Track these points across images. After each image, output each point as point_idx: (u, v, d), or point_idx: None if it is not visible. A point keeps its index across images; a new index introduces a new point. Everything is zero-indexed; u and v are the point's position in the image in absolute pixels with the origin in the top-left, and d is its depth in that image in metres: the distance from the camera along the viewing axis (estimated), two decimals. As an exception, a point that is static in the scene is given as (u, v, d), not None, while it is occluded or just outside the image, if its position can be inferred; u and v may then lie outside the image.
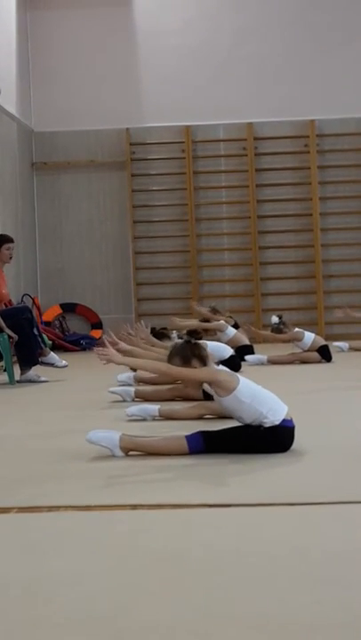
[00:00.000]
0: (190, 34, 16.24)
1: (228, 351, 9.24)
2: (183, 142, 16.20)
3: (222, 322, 11.38)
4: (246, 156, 16.18)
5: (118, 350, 6.05)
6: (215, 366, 5.57)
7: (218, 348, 8.89)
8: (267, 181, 16.24)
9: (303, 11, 16.17)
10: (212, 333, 10.97)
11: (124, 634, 2.52)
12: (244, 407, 5.05)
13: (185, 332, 6.00)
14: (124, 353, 6.29)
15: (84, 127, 16.20)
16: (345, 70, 16.04)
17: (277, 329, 11.13)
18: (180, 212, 16.26)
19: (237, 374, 5.26)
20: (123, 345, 6.58)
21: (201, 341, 5.75)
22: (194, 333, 5.82)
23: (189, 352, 5.57)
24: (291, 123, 16.15)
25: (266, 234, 16.17)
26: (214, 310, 12.31)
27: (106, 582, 2.98)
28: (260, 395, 5.10)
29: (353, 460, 4.83)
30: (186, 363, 5.43)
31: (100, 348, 5.59)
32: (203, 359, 5.55)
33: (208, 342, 8.44)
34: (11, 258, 10.54)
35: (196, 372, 5.34)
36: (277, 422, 5.01)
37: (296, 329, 11.12)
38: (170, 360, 5.57)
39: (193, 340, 5.64)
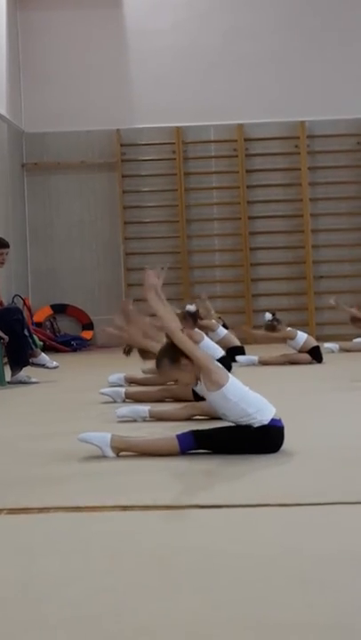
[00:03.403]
0: (181, 35, 16.25)
1: (220, 352, 9.21)
2: (174, 143, 16.20)
3: (213, 321, 11.38)
4: (237, 157, 16.19)
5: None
6: None
7: (209, 348, 8.87)
8: (257, 182, 16.26)
9: (294, 12, 16.20)
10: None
11: (114, 636, 2.52)
12: (229, 405, 5.04)
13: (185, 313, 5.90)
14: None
15: (74, 128, 16.19)
16: (336, 71, 16.06)
17: (271, 326, 11.14)
18: (171, 213, 16.26)
19: (229, 373, 5.25)
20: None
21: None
22: (194, 315, 5.78)
23: (178, 351, 5.52)
24: (281, 124, 16.16)
25: (257, 235, 16.18)
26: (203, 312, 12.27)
27: (96, 584, 2.97)
28: (247, 395, 5.09)
29: (343, 461, 4.83)
30: (175, 362, 5.36)
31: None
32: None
33: (201, 342, 8.46)
34: (2, 263, 10.47)
35: (196, 349, 5.25)
36: (266, 422, 5.00)
37: (289, 328, 11.14)
38: (159, 361, 5.51)
39: (193, 322, 5.60)
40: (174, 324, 5.33)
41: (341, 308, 13.05)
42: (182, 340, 5.17)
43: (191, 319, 9.41)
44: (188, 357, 5.33)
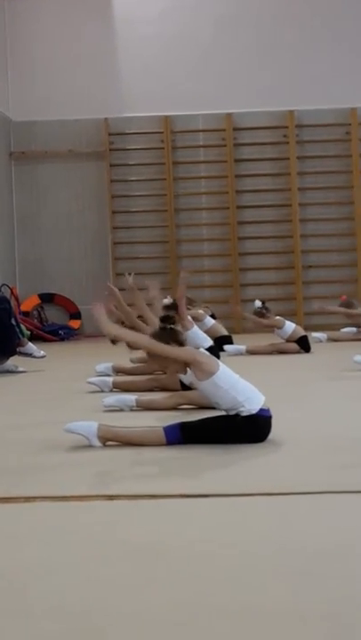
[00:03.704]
0: (170, 23, 16.20)
1: (208, 341, 9.20)
2: (162, 132, 16.17)
3: (201, 311, 11.37)
4: (225, 146, 16.17)
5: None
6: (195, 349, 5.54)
7: (197, 338, 8.86)
8: (246, 172, 16.25)
9: (284, 1, 16.16)
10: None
11: (100, 625, 2.51)
12: (220, 393, 5.04)
13: (159, 318, 5.93)
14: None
15: (62, 117, 16.15)
16: (325, 61, 16.05)
17: (260, 313, 11.16)
18: (160, 202, 16.24)
19: (219, 361, 5.24)
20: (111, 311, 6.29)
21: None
22: (168, 319, 5.79)
23: (167, 338, 5.52)
24: (270, 113, 16.15)
25: (245, 224, 16.17)
26: (189, 300, 12.21)
27: (82, 573, 2.96)
28: (237, 383, 5.09)
29: (330, 450, 4.83)
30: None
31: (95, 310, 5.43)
32: (181, 344, 5.53)
33: (190, 330, 8.47)
34: None
35: (177, 350, 5.28)
36: (254, 411, 5.00)
37: (277, 317, 11.15)
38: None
39: (168, 326, 5.61)
40: (144, 340, 5.40)
41: (327, 310, 13.06)
42: (162, 348, 5.21)
43: (175, 310, 9.41)
44: (178, 344, 5.36)
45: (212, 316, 11.84)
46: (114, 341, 8.81)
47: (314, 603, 2.61)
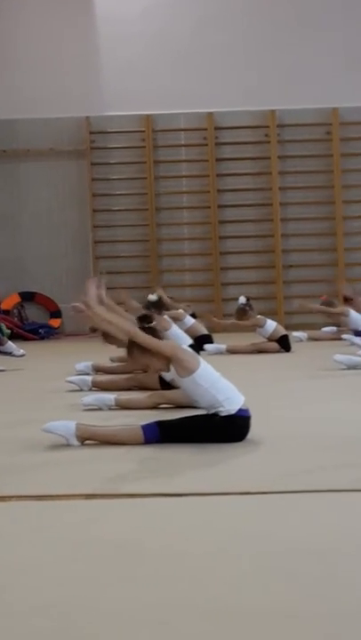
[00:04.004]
0: (151, 22, 16.18)
1: (187, 340, 9.20)
2: (144, 131, 16.15)
3: (181, 310, 11.37)
4: (207, 145, 16.17)
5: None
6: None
7: (177, 337, 8.86)
8: (227, 171, 16.25)
9: (265, 1, 16.16)
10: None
11: (78, 623, 2.51)
12: (200, 391, 5.04)
13: (136, 317, 5.91)
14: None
15: (43, 115, 16.09)
16: (306, 61, 16.05)
17: (242, 310, 11.17)
18: (141, 201, 16.22)
19: (200, 358, 5.24)
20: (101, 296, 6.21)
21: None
22: (145, 318, 5.79)
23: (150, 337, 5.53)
24: (251, 113, 16.15)
25: (226, 223, 16.17)
26: (171, 300, 12.21)
27: (60, 571, 2.97)
28: (218, 382, 5.10)
29: (308, 449, 4.84)
30: (144, 347, 5.35)
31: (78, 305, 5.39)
32: None
33: (169, 330, 8.49)
34: None
35: (160, 343, 5.27)
36: (233, 411, 5.01)
37: (258, 316, 11.17)
38: (130, 348, 5.50)
39: (147, 325, 5.60)
40: (128, 326, 5.36)
41: (308, 308, 13.09)
42: (144, 338, 5.19)
43: (155, 308, 9.42)
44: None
45: (193, 315, 11.85)
46: (94, 329, 8.81)
47: (293, 602, 2.61)
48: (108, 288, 8.57)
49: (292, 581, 2.79)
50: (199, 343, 10.51)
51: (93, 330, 8.77)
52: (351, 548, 3.11)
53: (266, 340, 11.09)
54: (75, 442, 5.05)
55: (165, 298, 11.55)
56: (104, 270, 8.27)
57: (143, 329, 5.54)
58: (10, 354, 10.14)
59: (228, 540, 3.24)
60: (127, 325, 5.43)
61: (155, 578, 2.86)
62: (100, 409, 6.49)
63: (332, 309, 12.67)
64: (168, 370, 5.31)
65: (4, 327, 11.05)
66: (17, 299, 16.13)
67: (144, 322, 5.73)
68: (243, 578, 2.84)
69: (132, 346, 5.41)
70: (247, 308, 11.18)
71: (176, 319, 10.82)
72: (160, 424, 5.06)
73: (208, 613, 2.54)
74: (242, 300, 11.34)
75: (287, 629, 2.42)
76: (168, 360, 5.17)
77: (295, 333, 12.56)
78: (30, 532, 3.47)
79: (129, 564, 3.02)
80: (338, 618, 2.49)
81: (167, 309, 10.95)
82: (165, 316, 9.16)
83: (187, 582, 2.81)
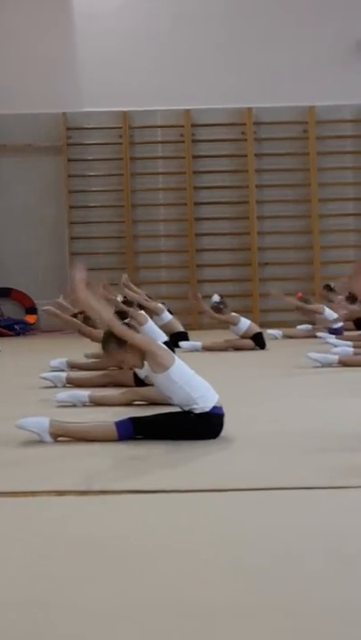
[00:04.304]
0: (129, 18, 16.16)
1: (162, 336, 9.21)
2: (120, 128, 16.13)
3: (159, 305, 11.38)
4: (183, 142, 16.17)
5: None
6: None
7: (153, 332, 8.87)
8: (204, 168, 16.26)
9: (242, -1, 16.20)
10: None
11: (45, 620, 2.52)
12: (174, 388, 5.05)
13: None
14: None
15: (19, 111, 16.02)
16: (283, 59, 16.08)
17: (217, 307, 11.21)
18: (117, 197, 16.21)
19: (175, 355, 5.25)
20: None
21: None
22: (121, 314, 5.78)
23: None
24: (228, 110, 16.16)
25: (202, 221, 16.18)
26: (147, 297, 12.16)
27: (32, 568, 2.97)
28: (192, 380, 5.11)
29: (281, 446, 4.86)
30: (120, 344, 5.36)
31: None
32: None
33: (145, 325, 8.50)
34: None
35: (136, 336, 5.28)
36: (207, 409, 5.03)
37: (233, 314, 11.20)
38: (105, 343, 5.51)
39: (123, 321, 5.62)
40: (109, 315, 5.36)
41: (282, 297, 13.11)
42: (121, 329, 5.20)
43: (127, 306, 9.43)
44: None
45: (169, 312, 11.85)
46: (76, 314, 8.88)
47: (256, 597, 2.63)
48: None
49: (264, 578, 2.80)
50: (175, 340, 10.52)
51: (74, 315, 8.83)
52: (322, 545, 3.13)
53: (239, 337, 11.11)
54: (48, 438, 5.04)
55: (132, 294, 11.41)
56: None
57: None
58: (-16, 350, 10.11)
59: (201, 537, 3.25)
60: (108, 314, 5.41)
61: (125, 575, 2.87)
62: (74, 405, 6.48)
63: (307, 306, 12.72)
64: (142, 366, 5.32)
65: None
66: (-8, 295, 16.09)
67: (120, 317, 5.74)
68: (216, 575, 2.85)
69: (108, 341, 5.43)
70: (221, 306, 11.22)
71: (154, 313, 10.84)
72: (133, 421, 5.07)
73: (181, 611, 2.55)
74: (215, 298, 11.38)
75: (261, 626, 2.44)
76: (143, 355, 5.18)
77: (270, 331, 12.59)
78: (1, 528, 3.46)
79: (101, 561, 3.03)
80: (314, 614, 2.51)
81: (147, 301, 10.97)
82: (141, 311, 9.17)
83: (155, 579, 2.82)
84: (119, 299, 9.42)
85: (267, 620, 2.48)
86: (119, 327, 5.20)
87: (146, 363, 5.21)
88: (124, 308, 9.02)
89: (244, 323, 11.09)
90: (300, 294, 13.30)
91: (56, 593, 2.73)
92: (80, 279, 5.30)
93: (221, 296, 11.50)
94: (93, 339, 8.69)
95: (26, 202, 16.20)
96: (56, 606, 2.62)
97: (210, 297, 11.95)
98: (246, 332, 11.03)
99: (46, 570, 2.95)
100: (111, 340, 5.40)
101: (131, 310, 10.06)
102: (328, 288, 13.26)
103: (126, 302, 10.76)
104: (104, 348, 5.51)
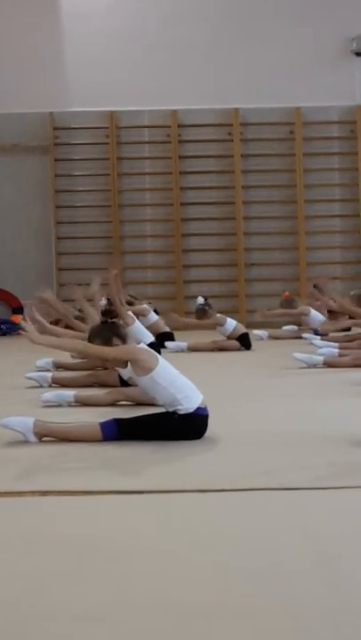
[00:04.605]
0: (116, 18, 16.15)
1: (149, 337, 9.21)
2: (107, 127, 16.13)
3: (145, 306, 11.39)
4: (170, 142, 16.18)
5: (39, 329, 5.90)
6: (135, 345, 5.55)
7: (139, 333, 8.87)
8: (190, 169, 16.27)
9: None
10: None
11: (27, 619, 2.52)
12: (159, 389, 5.06)
13: (100, 311, 5.96)
14: (44, 331, 6.13)
15: (6, 110, 15.99)
16: (270, 60, 16.10)
17: (202, 310, 11.21)
18: (104, 197, 16.20)
19: (159, 356, 5.25)
20: (42, 324, 6.39)
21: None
22: (108, 313, 5.80)
23: (108, 332, 5.58)
24: (215, 111, 16.18)
25: (188, 221, 16.20)
26: (133, 297, 12.13)
27: (12, 568, 2.97)
28: (177, 380, 5.11)
29: (266, 447, 4.87)
30: (107, 342, 5.40)
31: (24, 324, 5.44)
32: (123, 337, 5.59)
33: (132, 325, 8.51)
34: None
35: (114, 352, 5.30)
36: (191, 410, 5.04)
37: (218, 315, 11.21)
38: (90, 342, 5.53)
39: (109, 320, 5.64)
40: (77, 344, 5.48)
41: (270, 315, 13.10)
42: (95, 350, 5.28)
43: (119, 339, 9.41)
44: (120, 338, 5.44)
45: (155, 312, 11.86)
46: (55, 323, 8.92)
47: (239, 598, 2.64)
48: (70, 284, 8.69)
49: (251, 579, 2.81)
50: (160, 340, 10.53)
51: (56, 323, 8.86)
52: (308, 545, 3.15)
53: (226, 338, 11.13)
54: (32, 438, 5.05)
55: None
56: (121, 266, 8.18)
57: (105, 323, 5.61)
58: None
59: (187, 538, 3.26)
60: (76, 344, 5.58)
61: (109, 575, 2.88)
62: (59, 405, 6.49)
63: (292, 311, 12.77)
64: (125, 366, 5.32)
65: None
66: (-22, 294, 16.06)
67: (107, 316, 5.76)
68: (202, 575, 2.86)
69: (92, 341, 5.46)
70: (206, 307, 11.22)
71: (141, 315, 10.83)
72: (118, 421, 5.08)
73: (169, 611, 2.56)
74: (200, 300, 11.38)
75: (243, 627, 2.45)
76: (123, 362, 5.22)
77: (256, 332, 12.61)
78: (-15, 528, 3.47)
79: (86, 561, 3.03)
80: (300, 615, 2.52)
81: (132, 304, 10.96)
82: (129, 312, 9.18)
83: (138, 580, 2.83)
84: (103, 302, 9.40)
85: (255, 620, 2.49)
86: (93, 349, 5.30)
87: (129, 365, 5.22)
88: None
89: (231, 323, 11.10)
90: (287, 293, 13.34)
91: (41, 593, 2.73)
92: (32, 330, 5.31)
93: (205, 298, 11.50)
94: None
95: (12, 201, 16.17)
96: (42, 606, 2.62)
97: (195, 297, 11.96)
98: (233, 332, 11.04)
99: (31, 570, 2.95)
100: (96, 340, 5.43)
101: (136, 307, 10.14)
102: (316, 288, 13.27)
103: (130, 302, 10.82)
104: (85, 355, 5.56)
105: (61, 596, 2.69)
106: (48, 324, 6.68)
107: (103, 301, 9.60)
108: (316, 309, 12.49)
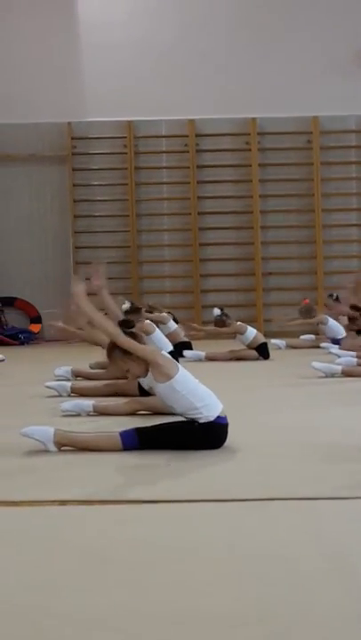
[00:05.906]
0: (134, 28, 16.21)
1: (168, 346, 9.22)
2: (125, 137, 16.18)
3: (165, 314, 11.41)
4: (188, 152, 16.21)
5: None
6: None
7: (159, 342, 8.89)
8: (208, 178, 16.30)
9: (247, 8, 16.23)
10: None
11: (42, 628, 2.53)
12: (177, 397, 5.06)
13: (117, 322, 5.94)
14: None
15: (24, 120, 16.08)
16: (288, 69, 16.12)
17: (220, 321, 11.21)
18: (121, 207, 16.24)
19: (179, 365, 5.25)
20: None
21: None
22: (127, 323, 5.80)
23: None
24: (232, 120, 16.20)
25: (206, 230, 16.22)
26: (152, 307, 12.18)
27: (29, 576, 2.98)
28: (196, 389, 5.11)
29: (285, 457, 4.87)
30: (126, 352, 5.38)
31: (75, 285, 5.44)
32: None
33: (152, 334, 8.53)
34: None
35: (140, 347, 5.28)
36: (212, 418, 5.03)
37: (239, 323, 11.20)
38: (110, 352, 5.52)
39: (128, 330, 5.63)
40: (112, 328, 5.39)
41: (288, 324, 13.11)
42: (124, 340, 5.22)
43: (134, 314, 9.42)
44: None
45: (175, 320, 11.89)
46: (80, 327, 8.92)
47: (254, 606, 2.64)
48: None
49: (268, 588, 2.81)
50: (179, 350, 10.54)
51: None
52: (326, 555, 3.14)
53: (245, 347, 11.12)
54: (52, 447, 5.05)
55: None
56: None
57: (125, 333, 5.59)
58: (-11, 359, 10.13)
59: (201, 548, 3.26)
60: (110, 326, 5.45)
61: (129, 585, 2.88)
62: (78, 415, 6.50)
63: (310, 320, 12.77)
64: (145, 375, 5.32)
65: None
66: (-3, 304, 16.11)
67: (125, 327, 5.75)
68: (213, 586, 2.86)
69: (113, 348, 5.43)
70: (224, 317, 11.22)
71: (160, 323, 10.86)
72: (138, 431, 5.07)
73: (176, 621, 2.56)
74: (216, 312, 11.38)
75: (258, 635, 2.45)
76: (147, 364, 5.19)
77: (274, 341, 12.60)
78: (2, 537, 3.48)
79: (103, 570, 3.03)
80: (313, 623, 2.52)
81: (152, 312, 10.99)
82: (148, 321, 9.19)
83: (155, 590, 2.83)
84: (125, 306, 9.42)
85: (271, 628, 2.48)
86: (122, 338, 5.22)
87: (149, 372, 5.22)
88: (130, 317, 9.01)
89: (251, 332, 11.09)
90: (307, 300, 13.34)
91: (57, 601, 2.74)
92: (80, 292, 5.33)
93: (222, 308, 11.49)
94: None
95: (30, 211, 16.24)
96: (56, 614, 2.63)
97: (212, 307, 11.96)
98: (253, 341, 11.03)
99: (48, 577, 2.96)
100: (116, 349, 5.42)
101: (156, 315, 10.14)
102: (333, 298, 13.26)
103: (149, 311, 10.86)
104: (109, 356, 5.51)
105: (78, 605, 2.70)
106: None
107: (126, 305, 9.62)
108: (334, 318, 12.48)
